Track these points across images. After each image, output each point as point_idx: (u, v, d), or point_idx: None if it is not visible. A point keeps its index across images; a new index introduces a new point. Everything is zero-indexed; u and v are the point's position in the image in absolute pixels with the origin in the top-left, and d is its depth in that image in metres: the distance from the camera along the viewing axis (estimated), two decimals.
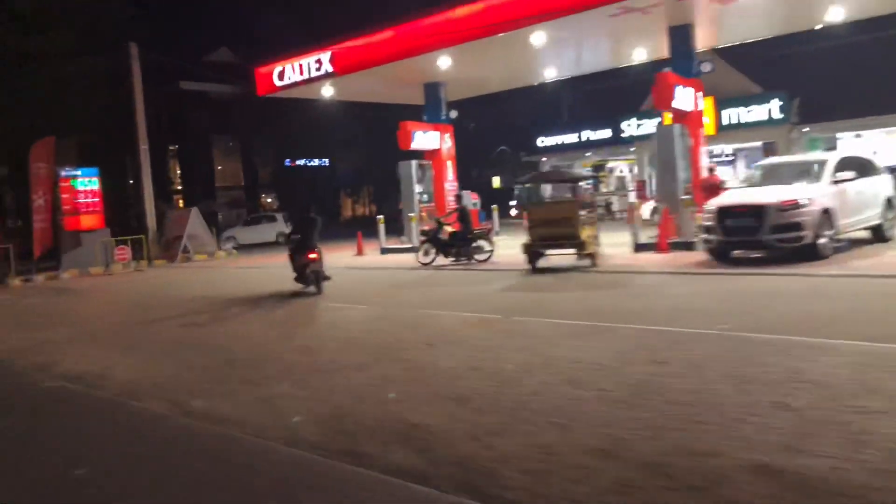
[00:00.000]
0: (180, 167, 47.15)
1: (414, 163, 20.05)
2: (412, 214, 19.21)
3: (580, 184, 15.01)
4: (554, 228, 12.22)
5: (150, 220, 23.74)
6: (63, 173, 21.68)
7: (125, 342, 9.00)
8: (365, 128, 48.57)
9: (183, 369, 7.00)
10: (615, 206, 29.91)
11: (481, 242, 14.92)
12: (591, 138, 31.85)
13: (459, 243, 14.96)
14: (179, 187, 46.56)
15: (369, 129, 48.30)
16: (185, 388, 6.11)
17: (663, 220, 14.30)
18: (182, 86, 43.23)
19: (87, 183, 22.11)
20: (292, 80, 20.39)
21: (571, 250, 12.38)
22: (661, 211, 14.69)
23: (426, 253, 15.27)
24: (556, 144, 33.37)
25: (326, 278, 11.83)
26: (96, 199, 22.36)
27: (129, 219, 25.21)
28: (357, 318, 9.36)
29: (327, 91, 20.82)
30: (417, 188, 20.00)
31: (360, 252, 19.87)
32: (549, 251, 12.70)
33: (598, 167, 36.85)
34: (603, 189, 34.77)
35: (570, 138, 32.65)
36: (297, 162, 51.35)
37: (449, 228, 15.50)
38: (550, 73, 21.27)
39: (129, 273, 20.78)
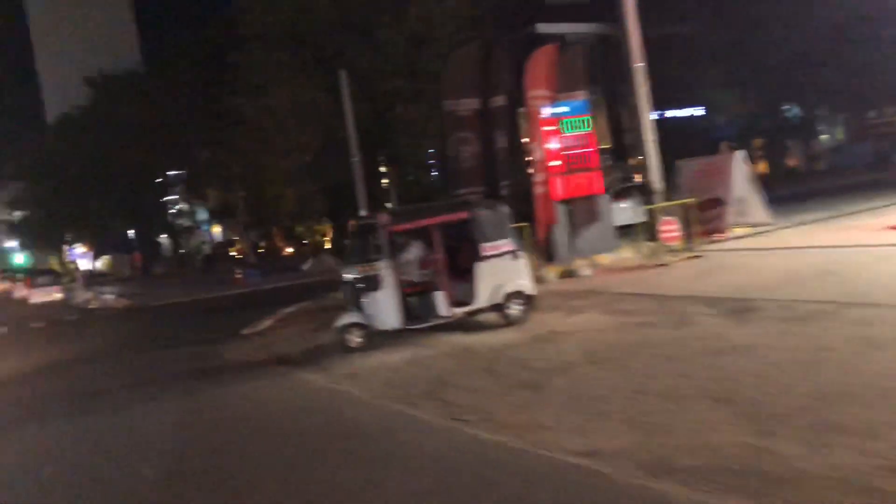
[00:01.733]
0: None
1: None
2: None
3: None
4: None
5: (654, 176, 15.10)
6: (547, 111, 13.93)
7: None
8: (752, 63, 37.32)
9: None
10: None
11: None
12: None
13: None
14: None
15: (758, 64, 36.88)
16: None
17: None
18: (539, 29, 35.89)
19: (576, 125, 14.19)
20: None
21: None
22: None
23: None
24: None
25: None
26: (591, 149, 14.37)
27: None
28: None
29: None
30: None
31: None
32: None
33: None
34: None
35: None
36: (667, 113, 41.41)
37: None
38: None
39: (684, 261, 12.38)
